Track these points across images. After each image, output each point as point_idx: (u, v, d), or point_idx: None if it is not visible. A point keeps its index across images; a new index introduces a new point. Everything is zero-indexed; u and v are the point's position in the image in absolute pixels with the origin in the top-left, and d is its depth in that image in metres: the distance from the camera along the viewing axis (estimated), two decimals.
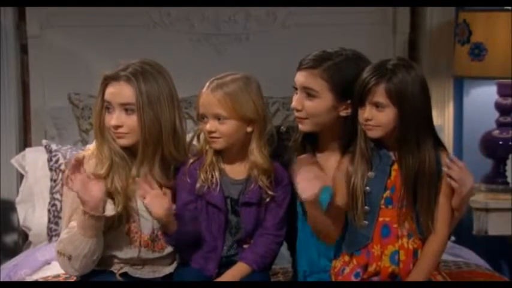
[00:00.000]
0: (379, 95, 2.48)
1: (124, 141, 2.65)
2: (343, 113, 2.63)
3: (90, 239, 2.58)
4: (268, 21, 4.09)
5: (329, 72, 2.60)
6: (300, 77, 2.64)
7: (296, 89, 2.67)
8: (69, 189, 2.56)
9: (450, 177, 2.53)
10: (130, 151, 2.68)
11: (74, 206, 2.62)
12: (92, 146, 2.76)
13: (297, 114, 2.65)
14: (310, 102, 2.62)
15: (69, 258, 2.61)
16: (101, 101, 2.67)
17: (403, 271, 2.54)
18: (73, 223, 2.62)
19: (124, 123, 2.63)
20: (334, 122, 2.65)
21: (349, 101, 2.60)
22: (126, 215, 2.65)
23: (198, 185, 2.63)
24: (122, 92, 2.62)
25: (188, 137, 2.75)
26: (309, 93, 2.62)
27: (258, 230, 2.67)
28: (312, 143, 2.71)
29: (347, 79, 2.58)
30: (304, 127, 2.66)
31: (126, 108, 2.63)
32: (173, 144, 2.66)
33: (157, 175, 2.66)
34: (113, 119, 2.63)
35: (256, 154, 2.62)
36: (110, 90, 2.64)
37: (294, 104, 2.65)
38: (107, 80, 2.65)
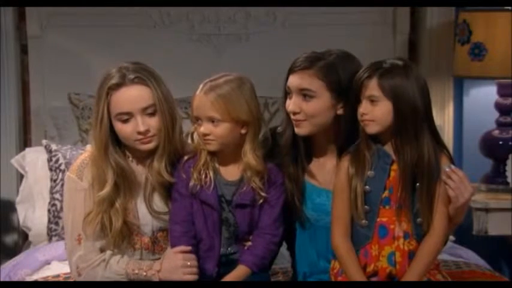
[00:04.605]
0: (372, 88, 2.49)
1: (151, 145, 2.62)
2: (340, 112, 2.63)
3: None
4: (268, 21, 4.09)
5: (324, 71, 2.60)
6: (295, 79, 2.63)
7: (288, 93, 2.66)
8: None
9: (447, 185, 2.53)
10: (138, 158, 2.68)
11: (77, 220, 2.63)
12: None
13: (294, 117, 2.64)
14: (308, 103, 2.62)
15: (86, 278, 2.63)
16: (107, 114, 2.60)
17: (399, 272, 2.53)
18: (105, 256, 2.62)
19: (150, 126, 2.60)
20: (330, 122, 2.65)
21: (344, 99, 2.60)
22: (127, 228, 2.65)
23: (191, 184, 2.63)
24: (140, 95, 2.59)
25: None
26: (306, 94, 2.61)
27: (253, 230, 2.67)
28: (306, 146, 2.71)
29: (341, 77, 2.60)
30: (302, 130, 2.64)
31: (147, 111, 2.60)
32: (179, 140, 2.67)
33: (166, 171, 2.65)
34: (139, 125, 2.58)
35: (250, 156, 2.61)
36: (125, 98, 2.59)
37: (291, 107, 2.63)
38: (112, 89, 2.59)
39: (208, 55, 4.07)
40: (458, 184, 2.52)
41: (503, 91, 3.88)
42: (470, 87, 4.14)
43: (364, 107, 2.51)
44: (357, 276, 2.53)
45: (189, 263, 2.57)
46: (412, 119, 2.49)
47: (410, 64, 2.56)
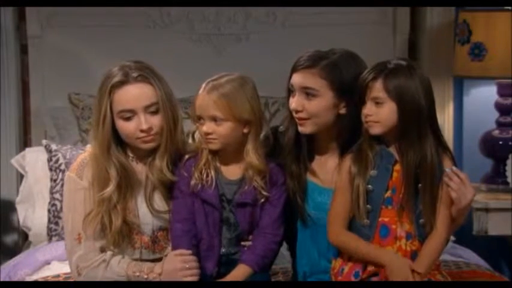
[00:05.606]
0: (377, 89, 2.50)
1: (153, 144, 2.63)
2: (342, 111, 2.63)
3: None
4: (268, 21, 4.09)
5: (327, 70, 2.60)
6: (298, 78, 2.63)
7: (292, 91, 2.66)
8: None
9: (449, 186, 2.53)
10: (139, 157, 2.68)
11: (77, 220, 2.62)
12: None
13: (297, 115, 2.64)
14: (311, 102, 2.62)
15: (86, 278, 2.63)
16: (110, 112, 2.60)
17: None
18: (106, 257, 2.61)
19: (152, 124, 2.60)
20: (333, 121, 2.65)
21: (346, 99, 2.61)
22: (127, 227, 2.65)
23: (192, 183, 2.63)
24: (144, 93, 2.59)
25: None
26: (309, 92, 2.62)
27: (254, 229, 2.67)
28: (308, 144, 2.71)
29: (344, 76, 2.60)
30: (305, 129, 2.65)
31: (150, 109, 2.60)
32: (181, 139, 2.67)
33: (168, 170, 2.65)
34: (142, 123, 2.58)
35: (252, 155, 2.61)
36: (128, 96, 2.59)
37: (294, 105, 2.64)
38: (116, 87, 2.59)
39: (208, 55, 4.07)
40: (459, 186, 2.52)
41: (503, 91, 3.89)
42: (470, 87, 4.14)
43: (368, 109, 2.51)
44: (366, 249, 2.51)
45: (187, 266, 2.57)
46: (416, 120, 2.49)
47: (414, 64, 2.56)
